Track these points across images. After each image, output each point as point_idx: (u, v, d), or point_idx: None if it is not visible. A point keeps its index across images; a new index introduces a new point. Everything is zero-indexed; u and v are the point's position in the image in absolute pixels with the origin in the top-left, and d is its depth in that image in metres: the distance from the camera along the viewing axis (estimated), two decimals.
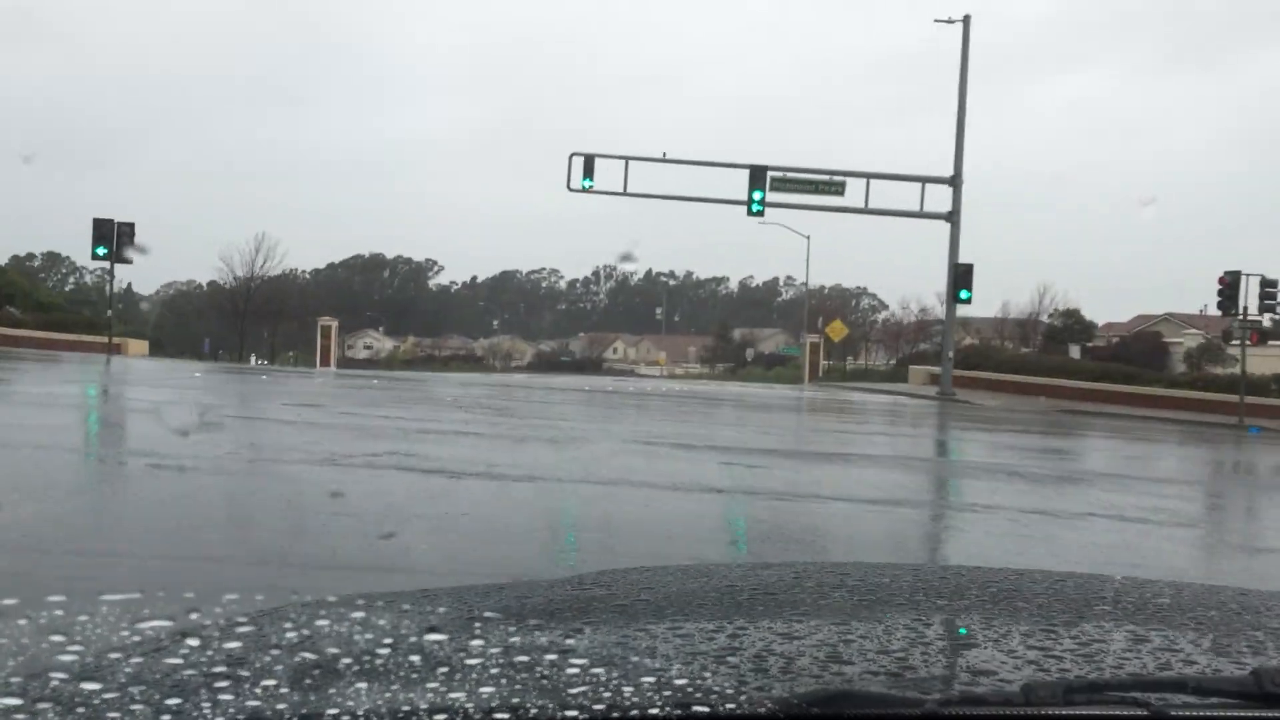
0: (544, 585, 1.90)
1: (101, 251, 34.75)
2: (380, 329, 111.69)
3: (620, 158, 37.05)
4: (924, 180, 37.42)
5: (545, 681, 1.23)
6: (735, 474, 11.09)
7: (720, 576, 2.04)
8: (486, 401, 21.42)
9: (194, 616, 1.50)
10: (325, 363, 53.76)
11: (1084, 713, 1.17)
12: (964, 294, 36.90)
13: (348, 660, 1.30)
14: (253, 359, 46.79)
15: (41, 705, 1.14)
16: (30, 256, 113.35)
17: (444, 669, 1.27)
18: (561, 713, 1.12)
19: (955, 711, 1.15)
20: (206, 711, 1.12)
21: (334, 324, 54.64)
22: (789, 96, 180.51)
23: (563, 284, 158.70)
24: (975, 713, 1.16)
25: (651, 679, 1.23)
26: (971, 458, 15.49)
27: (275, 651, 1.35)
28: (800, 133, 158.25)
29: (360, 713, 1.11)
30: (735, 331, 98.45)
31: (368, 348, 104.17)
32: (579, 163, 36.66)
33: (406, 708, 1.12)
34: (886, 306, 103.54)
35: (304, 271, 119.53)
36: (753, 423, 20.90)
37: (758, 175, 36.94)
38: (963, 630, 1.62)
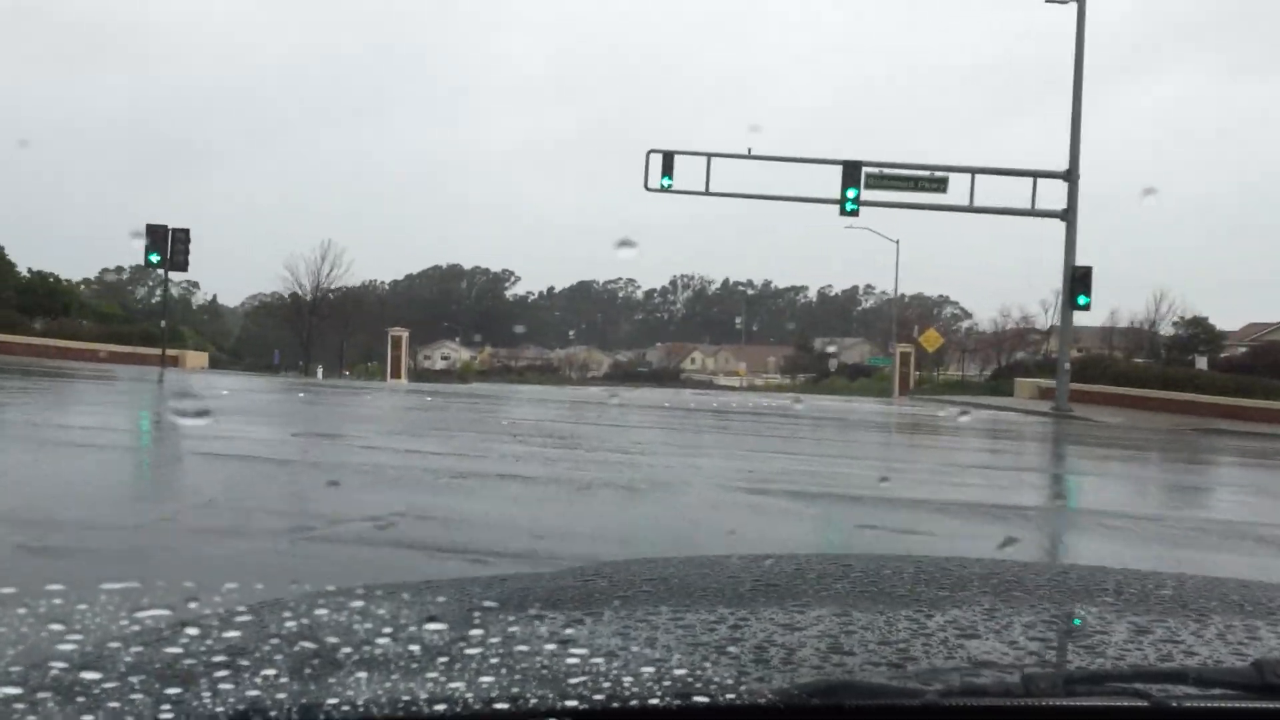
0: (546, 576, 1.81)
1: (154, 259, 32.27)
2: (457, 339, 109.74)
3: (701, 154, 33.64)
4: (1035, 175, 33.35)
5: (545, 671, 1.20)
6: (890, 549, 7.55)
7: (722, 568, 1.98)
8: (551, 425, 18.01)
9: (193, 605, 1.47)
10: (395, 375, 51.15)
11: (1084, 704, 1.15)
12: (1082, 299, 32.78)
13: (348, 650, 1.28)
14: (319, 371, 44.07)
15: (41, 694, 1.11)
16: (119, 269, 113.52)
17: (444, 659, 1.25)
18: (561, 703, 1.09)
19: (955, 702, 1.13)
20: (206, 701, 1.10)
21: (404, 334, 52.05)
22: (878, 101, 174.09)
23: (639, 294, 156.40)
24: (975, 703, 1.13)
25: (652, 669, 1.21)
26: (1181, 511, 11.72)
27: (275, 641, 1.32)
28: (892, 137, 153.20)
29: (360, 702, 1.08)
30: (816, 341, 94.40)
31: (445, 358, 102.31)
32: (657, 160, 33.31)
33: (406, 697, 1.10)
34: (970, 315, 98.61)
35: (383, 282, 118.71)
36: (868, 451, 17.29)
37: (852, 172, 33.23)
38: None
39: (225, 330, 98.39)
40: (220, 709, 1.07)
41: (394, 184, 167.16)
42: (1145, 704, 1.13)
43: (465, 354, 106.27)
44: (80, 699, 1.10)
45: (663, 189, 33.33)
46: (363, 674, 1.18)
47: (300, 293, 53.58)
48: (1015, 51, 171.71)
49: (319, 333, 52.94)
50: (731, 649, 1.32)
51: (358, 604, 1.49)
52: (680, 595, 1.67)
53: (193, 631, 1.33)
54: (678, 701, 1.11)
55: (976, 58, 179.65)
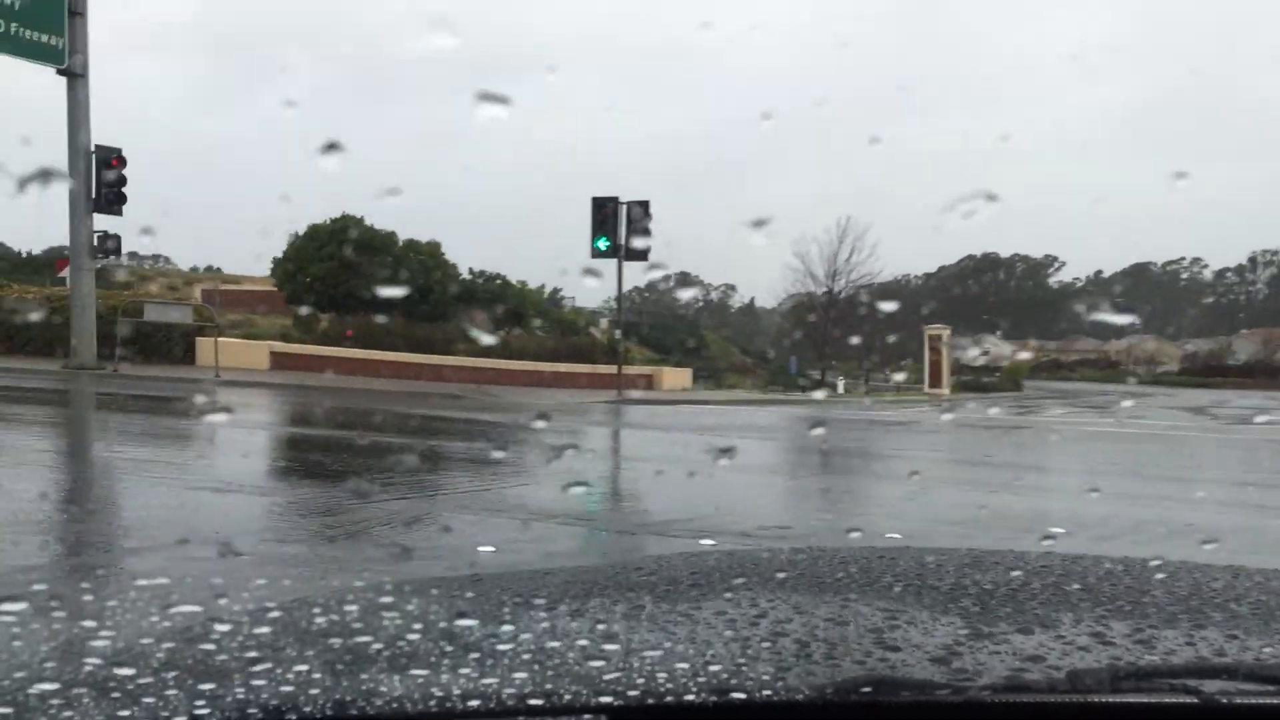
0: (587, 570, 1.72)
1: (603, 245, 22.00)
2: (998, 333, 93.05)
3: None
4: None
5: (579, 667, 1.13)
6: None
7: (767, 563, 1.80)
8: None
9: (223, 602, 1.39)
10: (935, 383, 37.64)
11: (1132, 700, 1.06)
12: None
13: (379, 646, 1.21)
14: (840, 384, 32.29)
15: (77, 690, 1.06)
16: (666, 278, 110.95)
17: (476, 655, 1.18)
18: (595, 699, 1.03)
19: (1001, 698, 1.05)
20: (240, 696, 1.04)
21: (944, 333, 38.51)
22: None
23: (1208, 274, 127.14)
24: (1020, 699, 1.06)
25: (687, 665, 1.13)
26: None
27: (306, 637, 1.26)
28: None
29: (393, 697, 1.03)
30: None
31: (985, 354, 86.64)
32: None
33: (440, 693, 1.04)
34: None
35: (916, 276, 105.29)
36: None
37: None
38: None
39: (762, 333, 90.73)
40: (254, 707, 1.00)
41: (925, 174, 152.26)
42: (1195, 700, 1.04)
43: (1006, 348, 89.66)
44: (115, 694, 1.03)
45: None
46: (395, 670, 1.10)
47: (813, 286, 41.86)
48: None
49: (843, 332, 40.84)
50: (773, 644, 1.22)
51: (388, 599, 1.39)
52: (722, 590, 1.52)
53: (224, 628, 1.27)
54: (714, 698, 1.04)
55: None
